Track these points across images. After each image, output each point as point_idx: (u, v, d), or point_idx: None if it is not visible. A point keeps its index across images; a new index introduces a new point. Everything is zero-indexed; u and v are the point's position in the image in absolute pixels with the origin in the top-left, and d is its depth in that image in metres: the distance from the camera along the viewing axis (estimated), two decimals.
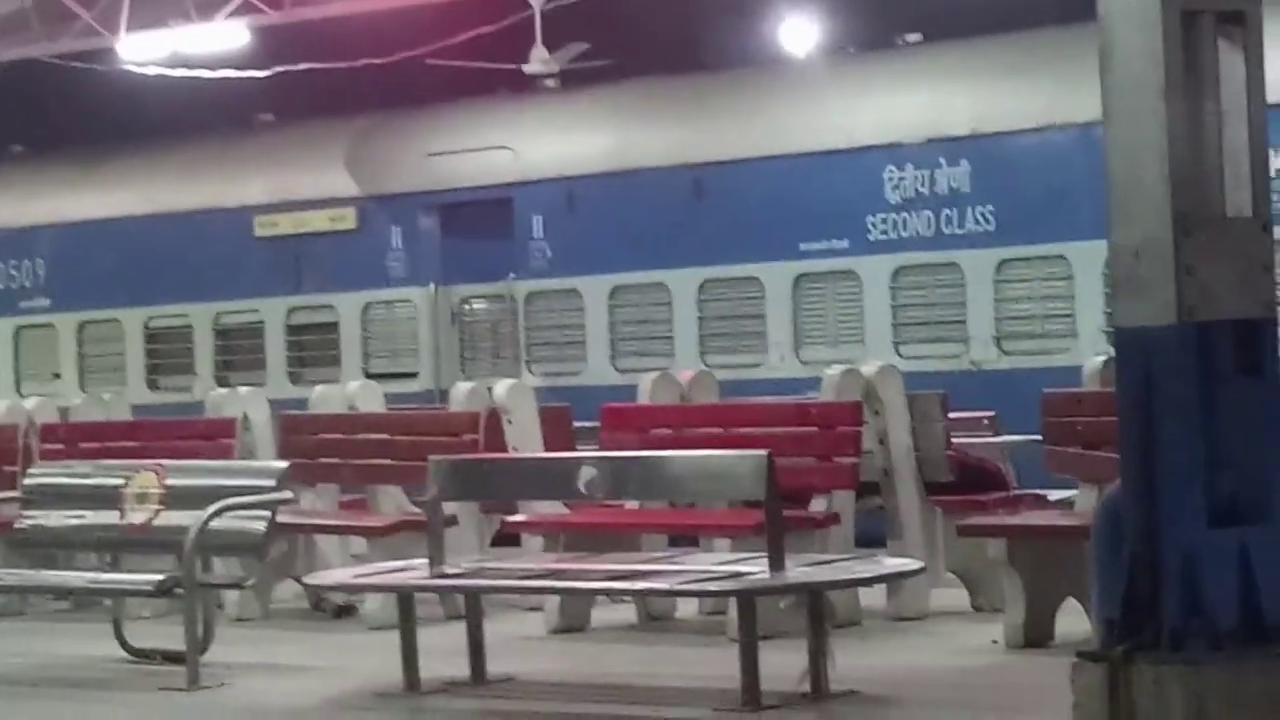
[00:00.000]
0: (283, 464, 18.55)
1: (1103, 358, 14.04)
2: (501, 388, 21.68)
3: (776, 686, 13.06)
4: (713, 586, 14.32)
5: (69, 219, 30.90)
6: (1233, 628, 11.84)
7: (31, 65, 27.74)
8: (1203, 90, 12.11)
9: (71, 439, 21.64)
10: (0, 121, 31.98)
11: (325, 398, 23.73)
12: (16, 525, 17.93)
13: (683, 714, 12.99)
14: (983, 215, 23.39)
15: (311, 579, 17.55)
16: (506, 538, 18.56)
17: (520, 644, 15.39)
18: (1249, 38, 12.30)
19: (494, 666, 14.61)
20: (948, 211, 23.71)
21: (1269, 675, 11.88)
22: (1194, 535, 11.87)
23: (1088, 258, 17.36)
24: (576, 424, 20.19)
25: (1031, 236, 22.42)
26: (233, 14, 23.96)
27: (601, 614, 16.67)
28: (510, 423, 19.52)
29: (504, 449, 18.31)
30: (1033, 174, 21.74)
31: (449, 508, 16.28)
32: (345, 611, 17.34)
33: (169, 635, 15.74)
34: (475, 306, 27.40)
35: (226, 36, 24.89)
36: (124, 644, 16.13)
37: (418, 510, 17.06)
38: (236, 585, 17.17)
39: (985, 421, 18.63)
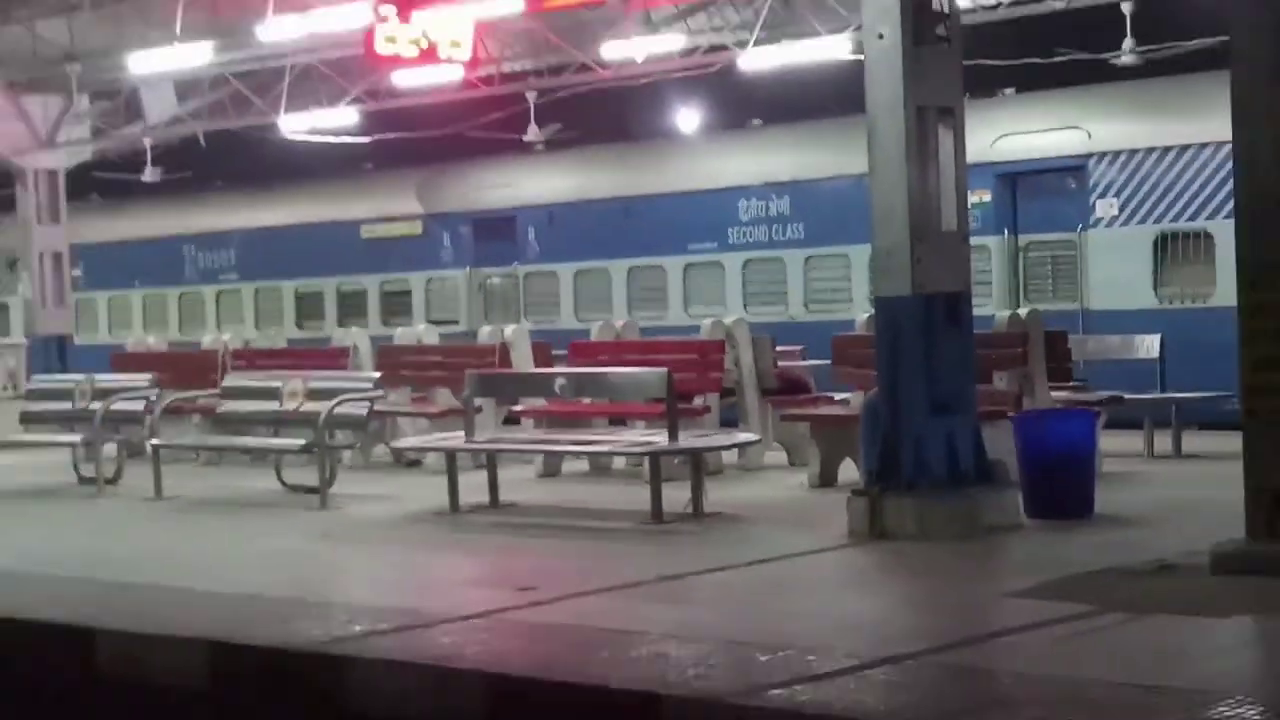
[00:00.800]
0: (376, 374, 18.57)
1: (868, 314, 14.05)
2: (510, 330, 21.64)
3: (673, 509, 13.21)
4: (635, 450, 14.72)
5: (249, 226, 30.84)
6: (942, 476, 12.00)
7: (228, 133, 27.52)
8: (928, 154, 12.33)
9: (251, 359, 21.58)
10: (209, 166, 31.88)
11: (404, 335, 23.61)
12: (217, 410, 17.99)
13: (617, 525, 13.27)
14: (797, 229, 23.42)
15: (394, 444, 17.80)
16: (512, 420, 18.59)
17: (519, 483, 15.50)
18: (956, 124, 12.44)
19: (504, 497, 14.81)
20: (776, 227, 23.75)
21: (961, 503, 12.02)
22: (920, 422, 12.06)
23: (860, 255, 17.24)
24: (555, 352, 20.15)
25: (827, 242, 22.42)
26: (349, 103, 23.82)
27: (569, 466, 16.72)
28: (514, 351, 19.54)
29: (510, 366, 18.34)
30: (828, 205, 21.66)
31: (478, 402, 16.40)
32: (414, 464, 17.38)
33: (308, 476, 15.85)
34: (493, 281, 27.26)
35: (345, 116, 24.74)
36: (282, 482, 16.35)
37: (459, 403, 17.11)
38: (349, 447, 17.32)
39: (798, 352, 18.65)
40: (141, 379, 20.18)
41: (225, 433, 17.46)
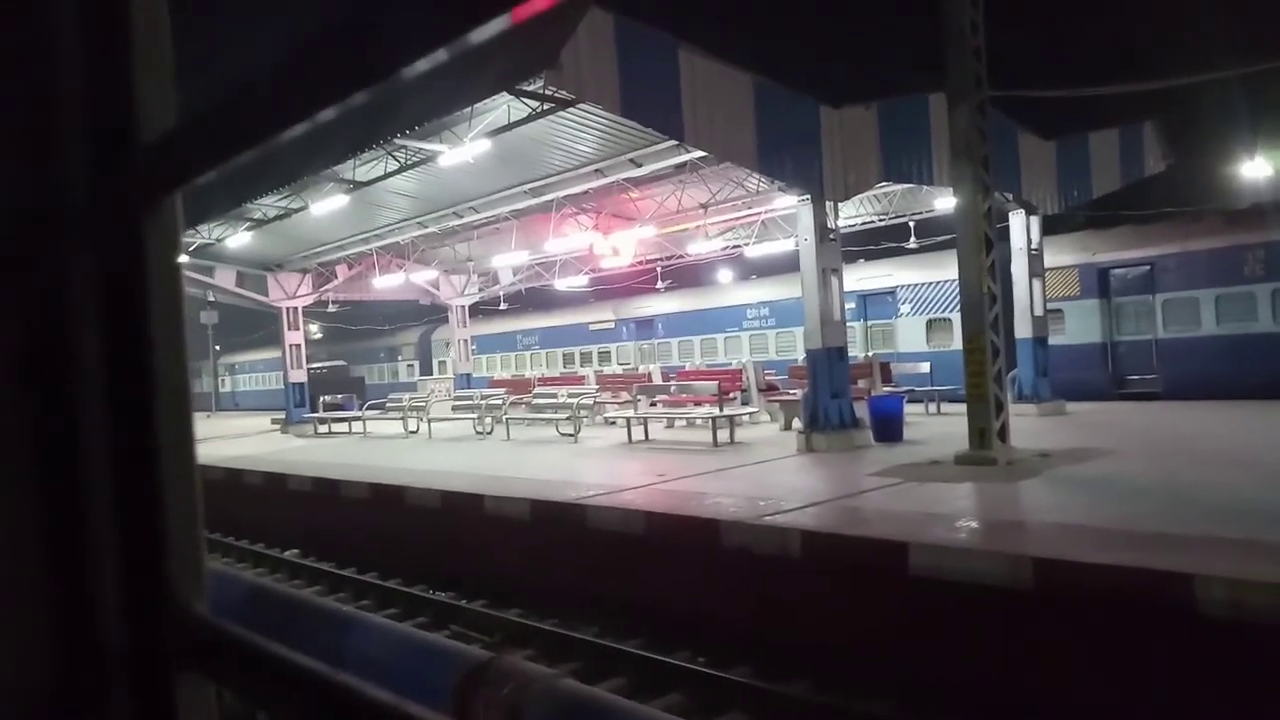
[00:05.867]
0: (597, 386, 18.57)
1: (803, 356, 13.77)
2: (652, 366, 21.65)
3: (721, 441, 13.06)
4: (706, 414, 14.15)
5: (543, 326, 31.00)
6: (837, 424, 11.73)
7: (533, 287, 27.47)
8: (828, 288, 12.02)
9: (545, 381, 21.63)
10: (526, 300, 31.75)
11: (609, 370, 23.62)
12: (531, 401, 18.02)
13: (697, 447, 12.79)
14: (772, 320, 22.96)
15: (605, 415, 17.39)
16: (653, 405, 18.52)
17: (655, 431, 15.24)
18: (839, 276, 12.17)
19: (651, 436, 14.52)
20: (763, 319, 23.33)
21: (845, 435, 11.71)
22: (826, 401, 11.76)
23: (799, 332, 17.02)
24: (669, 376, 20.02)
25: (786, 325, 21.91)
26: (583, 274, 23.79)
27: (678, 423, 16.45)
28: (653, 375, 19.45)
29: (652, 381, 18.21)
30: (788, 311, 21.18)
31: (639, 396, 16.29)
32: (613, 423, 16.90)
33: (569, 431, 15.75)
34: (644, 346, 26.97)
35: (580, 280, 24.67)
36: (559, 430, 16.06)
37: (631, 396, 17.01)
38: (586, 415, 16.84)
39: (772, 372, 18.28)
40: (500, 390, 20.45)
41: (535, 411, 17.49)
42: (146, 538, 0.90)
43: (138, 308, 0.89)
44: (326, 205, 16.35)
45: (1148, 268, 16.57)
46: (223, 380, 45.85)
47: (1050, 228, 16.18)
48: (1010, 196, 14.63)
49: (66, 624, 0.90)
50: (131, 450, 0.91)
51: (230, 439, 21.09)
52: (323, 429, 21.54)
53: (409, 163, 14.81)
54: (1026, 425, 11.89)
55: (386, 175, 15.38)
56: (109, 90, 0.85)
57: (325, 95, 0.53)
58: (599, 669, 6.83)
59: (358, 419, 21.17)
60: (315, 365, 27.79)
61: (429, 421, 19.02)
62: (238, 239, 19.40)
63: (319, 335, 43.24)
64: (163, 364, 0.90)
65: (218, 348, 45.13)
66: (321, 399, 23.10)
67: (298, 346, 22.89)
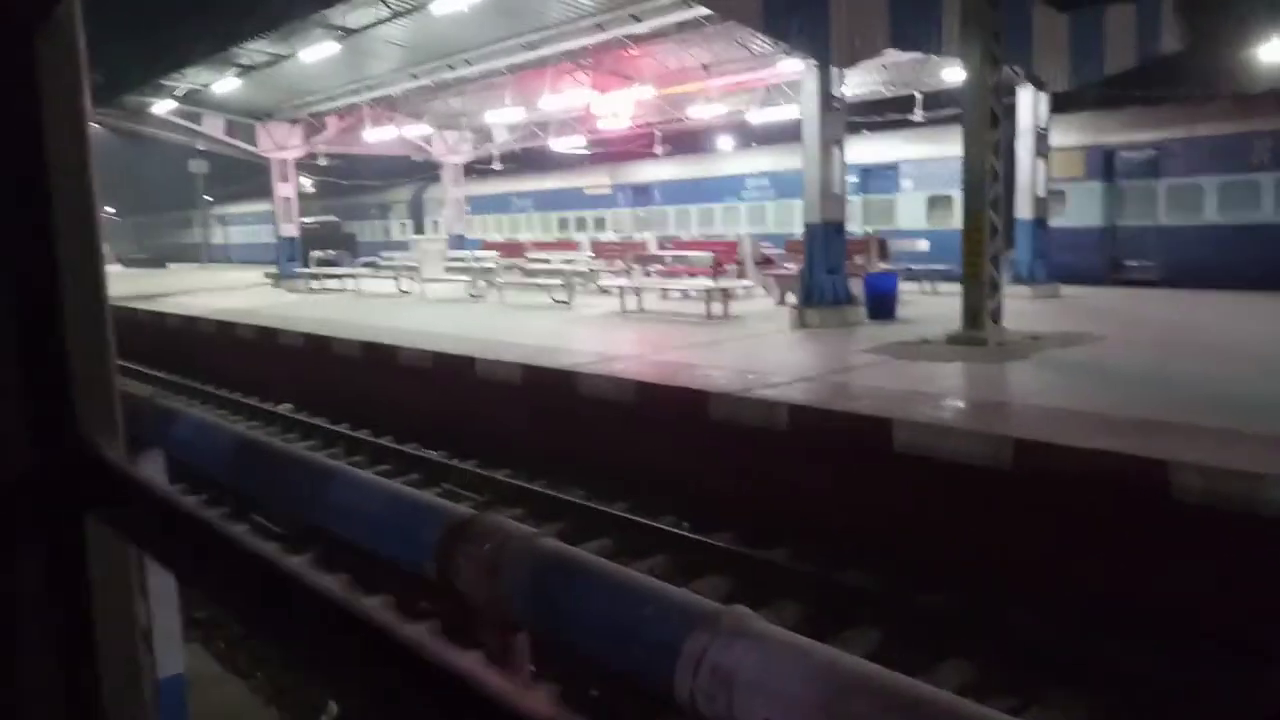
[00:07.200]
0: (592, 253, 18.38)
1: (802, 231, 13.55)
2: (647, 234, 21.39)
3: (715, 314, 13.05)
4: (701, 286, 14.12)
5: (538, 189, 30.00)
6: (830, 300, 11.65)
7: (529, 147, 26.74)
8: (829, 160, 11.75)
9: (539, 246, 21.43)
10: (521, 161, 30.87)
11: (605, 237, 23.35)
12: (525, 267, 17.87)
13: (690, 320, 12.81)
14: (772, 192, 22.53)
15: (599, 283, 17.21)
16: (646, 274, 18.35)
17: (649, 301, 15.13)
18: (841, 148, 11.90)
19: (644, 306, 14.50)
20: (762, 189, 22.91)
21: (838, 312, 11.68)
22: (822, 277, 11.68)
23: (798, 205, 16.72)
24: (665, 245, 19.80)
25: (786, 197, 21.48)
26: (581, 134, 23.14)
27: (671, 298, 16.36)
28: (649, 244, 19.24)
29: (648, 251, 18.05)
30: (785, 182, 20.79)
31: (634, 266, 16.13)
32: (606, 291, 16.77)
33: (563, 299, 15.70)
34: (640, 214, 26.56)
35: (578, 141, 23.99)
36: (552, 298, 15.93)
37: (626, 266, 16.87)
38: (580, 283, 16.78)
39: (770, 245, 18.00)
40: (492, 253, 20.28)
41: (528, 276, 17.35)
42: (53, 375, 0.88)
43: (32, 130, 0.85)
44: (316, 53, 15.75)
45: (1153, 152, 16.23)
46: (214, 232, 45.22)
47: (1058, 106, 15.73)
48: (1020, 71, 14.15)
49: None
50: (34, 285, 0.88)
51: (221, 291, 21.00)
52: (315, 285, 21.42)
53: (401, 9, 14.20)
54: (1020, 307, 11.87)
55: (378, 23, 14.76)
56: None
57: None
58: (584, 531, 7.00)
59: (350, 275, 21.03)
60: (307, 220, 27.31)
61: (422, 282, 18.91)
62: (225, 84, 18.76)
63: (312, 190, 42.41)
64: (64, 192, 0.87)
65: (209, 198, 44.30)
66: (313, 254, 22.87)
67: (289, 200, 22.49)
